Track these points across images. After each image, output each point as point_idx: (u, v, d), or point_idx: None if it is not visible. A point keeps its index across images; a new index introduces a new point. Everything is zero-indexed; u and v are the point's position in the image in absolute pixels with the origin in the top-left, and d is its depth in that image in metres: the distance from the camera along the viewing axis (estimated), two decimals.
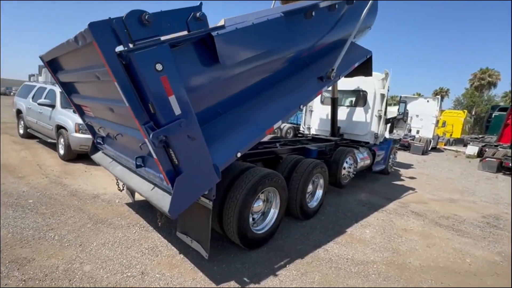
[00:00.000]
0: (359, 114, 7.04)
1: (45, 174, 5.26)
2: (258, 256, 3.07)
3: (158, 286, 2.38)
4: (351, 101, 7.41)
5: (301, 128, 8.60)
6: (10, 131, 9.22)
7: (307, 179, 3.92)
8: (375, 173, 7.81)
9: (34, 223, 3.29)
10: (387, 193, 6.28)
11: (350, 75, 5.82)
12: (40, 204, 3.87)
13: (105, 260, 2.68)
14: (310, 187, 4.27)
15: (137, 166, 2.42)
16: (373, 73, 7.00)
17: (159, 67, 1.80)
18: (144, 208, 3.98)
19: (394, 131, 9.32)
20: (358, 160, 6.15)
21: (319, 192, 4.47)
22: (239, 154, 2.55)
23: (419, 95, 19.96)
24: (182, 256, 2.90)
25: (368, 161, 6.71)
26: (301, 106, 3.30)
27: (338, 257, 3.26)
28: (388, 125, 8.88)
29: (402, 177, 8.46)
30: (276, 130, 14.04)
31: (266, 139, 7.51)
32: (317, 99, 7.76)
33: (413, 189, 7.07)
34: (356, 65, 4.47)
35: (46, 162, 6.14)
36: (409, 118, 16.74)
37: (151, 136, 1.84)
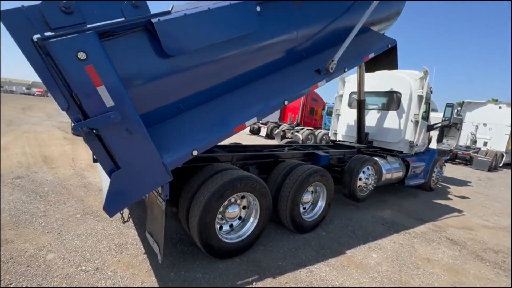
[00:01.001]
0: (391, 119, 6.15)
1: (73, 167, 5.86)
2: (226, 268, 2.78)
3: (101, 286, 2.30)
4: (383, 104, 6.53)
5: (330, 134, 7.96)
6: (67, 128, 10.72)
7: (300, 188, 3.47)
8: (410, 187, 6.70)
9: (35, 208, 3.61)
10: (420, 213, 5.27)
11: (371, 68, 5.12)
12: (52, 192, 4.26)
13: (70, 251, 2.74)
14: (308, 197, 3.79)
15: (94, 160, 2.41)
16: (410, 71, 6.09)
17: (81, 55, 1.72)
18: (138, 204, 4.05)
19: (444, 140, 7.93)
20: (383, 171, 5.32)
21: (321, 204, 3.94)
22: (195, 153, 2.34)
23: (495, 101, 16.71)
24: (145, 256, 2.80)
25: (399, 174, 5.77)
26: (285, 102, 2.92)
27: (322, 282, 2.75)
28: (432, 133, 7.61)
29: (449, 196, 7.08)
30: (310, 137, 13.36)
31: (281, 142, 7.07)
32: (345, 101, 7.08)
33: (459, 211, 5.82)
34: (371, 56, 3.85)
35: (80, 156, 6.87)
36: (474, 127, 14.26)
37: (72, 127, 1.78)
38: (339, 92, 7.36)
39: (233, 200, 2.95)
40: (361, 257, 3.35)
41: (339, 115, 7.42)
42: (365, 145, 6.18)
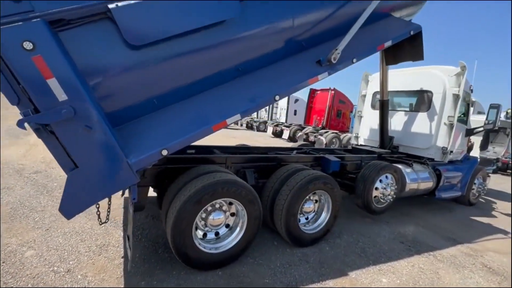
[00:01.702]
0: (421, 122, 5.42)
1: None
2: (203, 281, 2.51)
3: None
4: (411, 104, 5.79)
5: (351, 138, 7.35)
6: None
7: (298, 196, 3.08)
8: (443, 200, 5.84)
9: (37, 203, 3.71)
10: (452, 231, 4.50)
11: (392, 60, 4.50)
12: (60, 188, 4.40)
13: (50, 249, 2.70)
14: (310, 206, 3.38)
15: None
16: (444, 67, 5.32)
17: (28, 45, 1.59)
18: None
19: (490, 147, 6.85)
20: (407, 181, 4.65)
21: (325, 216, 3.50)
22: (164, 152, 2.11)
23: None
24: (121, 261, 2.65)
25: (427, 184, 5.02)
26: (277, 97, 2.58)
27: None
28: (474, 138, 6.61)
29: (494, 213, 6.04)
30: (334, 140, 12.63)
31: (291, 145, 6.66)
32: (368, 102, 6.46)
33: (505, 232, 4.88)
34: (388, 44, 3.32)
35: None
36: None
37: (17, 122, 1.66)
38: (361, 92, 6.73)
39: (217, 206, 2.69)
40: (367, 281, 2.86)
41: (361, 117, 6.79)
42: (389, 151, 5.51)
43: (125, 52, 2.03)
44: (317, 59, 2.90)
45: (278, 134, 16.24)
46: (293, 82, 2.68)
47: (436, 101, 5.14)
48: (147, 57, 2.11)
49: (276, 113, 22.67)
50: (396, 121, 5.87)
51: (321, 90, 17.22)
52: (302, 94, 20.79)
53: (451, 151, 5.17)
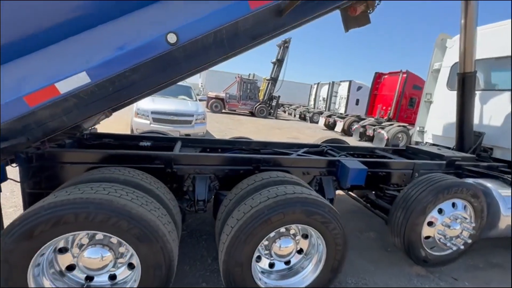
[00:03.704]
0: None
1: None
2: None
3: None
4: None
5: (412, 133, 5.25)
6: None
7: (250, 233, 1.70)
8: None
9: None
10: None
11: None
12: None
13: None
14: (289, 245, 1.96)
15: None
16: None
17: None
18: None
19: None
20: (502, 212, 2.62)
21: (311, 269, 2.00)
22: None
23: None
24: None
25: None
26: (172, 37, 1.31)
27: None
28: None
29: None
30: (400, 136, 9.99)
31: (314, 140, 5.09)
32: (443, 80, 4.28)
33: None
34: None
35: None
36: None
37: None
38: (433, 65, 4.55)
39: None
40: None
41: (430, 102, 4.63)
42: (472, 155, 3.40)
43: None
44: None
45: (330, 126, 14.11)
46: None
47: None
48: None
49: (335, 103, 20.09)
50: (490, 109, 3.63)
51: (390, 73, 14.09)
52: (367, 80, 17.60)
53: None
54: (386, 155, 3.55)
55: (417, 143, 4.90)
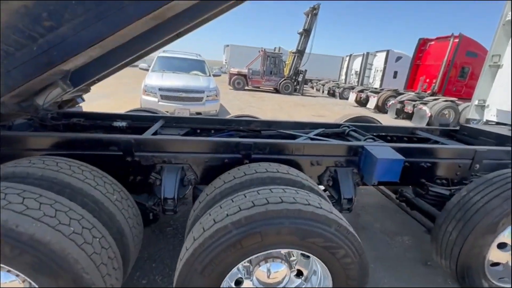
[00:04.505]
0: None
1: None
2: None
3: None
4: None
5: (470, 108, 4.19)
6: None
7: (212, 265, 1.11)
8: None
9: None
10: None
11: None
12: None
13: None
14: (281, 268, 1.37)
15: None
16: None
17: None
18: None
19: None
20: None
21: None
22: None
23: None
24: None
25: None
26: None
27: None
28: None
29: None
30: (446, 112, 8.55)
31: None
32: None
33: None
34: None
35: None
36: None
37: None
38: (505, 15, 3.35)
39: None
40: None
41: (497, 66, 3.49)
42: None
43: None
44: None
45: (362, 103, 12.71)
46: None
47: None
48: None
49: (369, 76, 18.12)
50: None
51: (437, 38, 12.00)
52: (408, 50, 15.28)
53: None
54: (432, 138, 2.68)
55: (467, 121, 3.85)
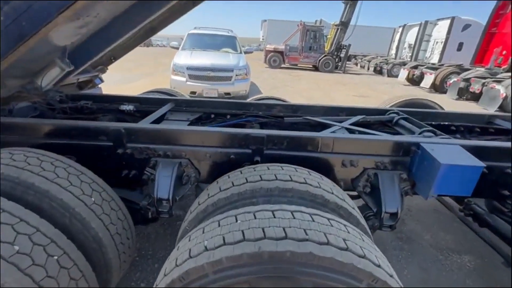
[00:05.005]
0: None
1: None
2: None
3: None
4: None
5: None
6: None
7: None
8: None
9: None
10: None
11: None
12: None
13: None
14: None
15: None
16: None
17: None
18: None
19: None
20: None
21: None
22: None
23: None
24: None
25: None
26: None
27: None
28: None
29: None
30: (507, 96, 6.96)
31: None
32: None
33: None
34: None
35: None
36: None
37: None
38: None
39: None
40: None
41: None
42: None
43: None
44: None
45: (415, 81, 11.06)
46: None
47: None
48: None
49: (425, 50, 15.71)
50: None
51: None
52: (481, 16, 12.46)
53: None
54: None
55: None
